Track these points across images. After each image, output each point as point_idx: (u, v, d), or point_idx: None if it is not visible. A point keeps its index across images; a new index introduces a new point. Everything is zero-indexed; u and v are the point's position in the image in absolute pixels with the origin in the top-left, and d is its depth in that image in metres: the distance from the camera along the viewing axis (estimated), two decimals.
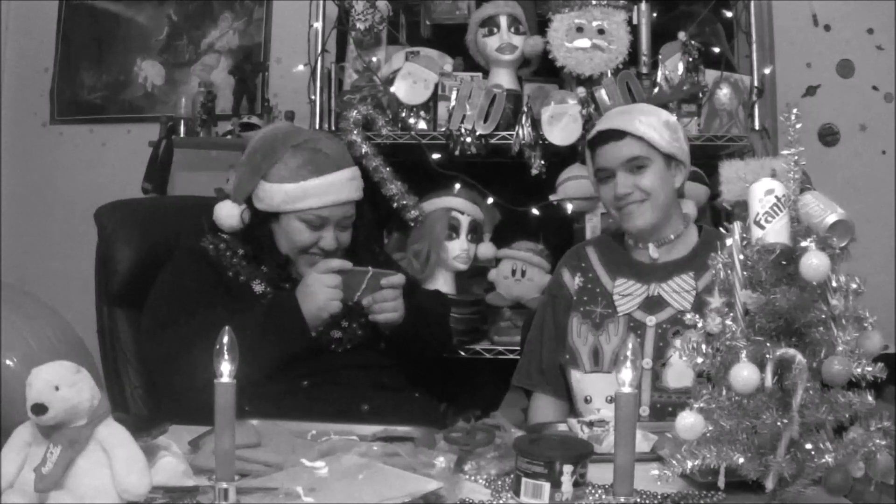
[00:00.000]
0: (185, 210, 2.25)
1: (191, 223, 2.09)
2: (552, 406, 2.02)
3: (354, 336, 1.97)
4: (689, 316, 1.83)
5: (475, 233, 2.66)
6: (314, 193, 1.93)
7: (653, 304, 1.93)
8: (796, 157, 1.23)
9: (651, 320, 1.91)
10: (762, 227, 1.20)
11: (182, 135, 3.29)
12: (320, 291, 1.85)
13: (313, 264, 1.94)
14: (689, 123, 2.64)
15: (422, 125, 2.70)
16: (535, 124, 2.62)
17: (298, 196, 1.93)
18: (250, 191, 1.97)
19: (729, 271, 1.24)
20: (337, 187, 1.96)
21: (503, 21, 2.69)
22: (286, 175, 1.94)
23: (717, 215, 2.64)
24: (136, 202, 2.87)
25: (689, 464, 1.19)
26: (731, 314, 1.23)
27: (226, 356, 1.11)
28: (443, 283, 2.63)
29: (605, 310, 1.96)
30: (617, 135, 1.92)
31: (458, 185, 2.66)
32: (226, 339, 1.12)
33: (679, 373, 1.80)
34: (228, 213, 1.99)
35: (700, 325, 1.27)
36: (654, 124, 1.92)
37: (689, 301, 1.90)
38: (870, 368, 1.15)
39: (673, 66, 2.65)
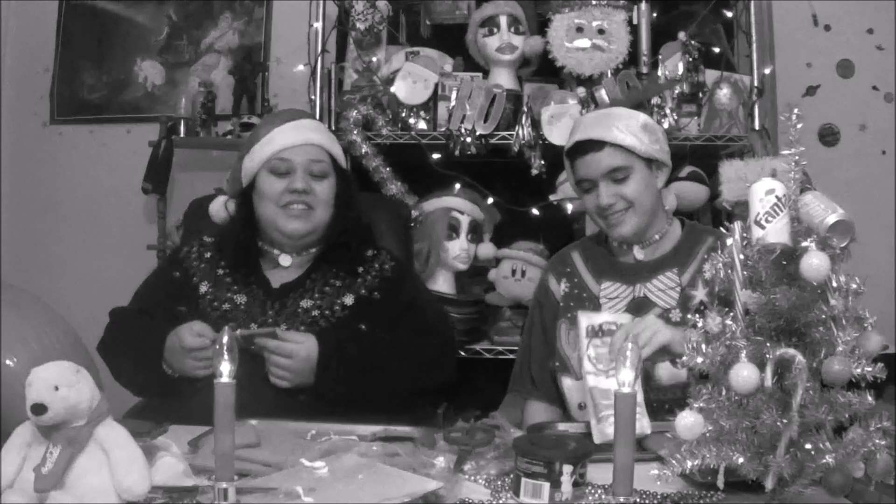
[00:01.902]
0: None
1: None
2: (545, 412, 2.01)
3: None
4: (674, 313, 1.86)
5: (475, 233, 2.66)
6: (275, 138, 1.99)
7: (639, 305, 1.92)
8: (796, 157, 1.23)
9: None
10: (762, 227, 1.20)
11: (182, 135, 3.29)
12: (186, 362, 1.81)
13: (294, 216, 1.96)
14: (689, 123, 2.64)
15: (422, 125, 2.70)
16: (535, 124, 2.62)
17: (263, 147, 1.99)
18: (240, 177, 2.04)
19: (729, 271, 1.24)
20: (295, 130, 2.01)
21: (503, 21, 2.70)
22: (253, 142, 2.02)
23: (717, 215, 2.64)
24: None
25: (689, 464, 1.19)
26: (731, 314, 1.23)
27: (226, 356, 1.11)
28: (443, 283, 2.63)
29: None
30: (596, 145, 1.89)
31: (458, 185, 2.66)
32: (225, 339, 1.12)
33: (670, 369, 1.79)
34: (218, 206, 2.11)
35: (700, 324, 1.27)
36: (632, 129, 1.89)
37: (674, 298, 1.90)
38: (870, 368, 1.15)
39: (673, 66, 2.65)
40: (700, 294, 1.87)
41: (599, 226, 1.99)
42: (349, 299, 1.97)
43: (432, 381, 2.02)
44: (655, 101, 2.60)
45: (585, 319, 1.72)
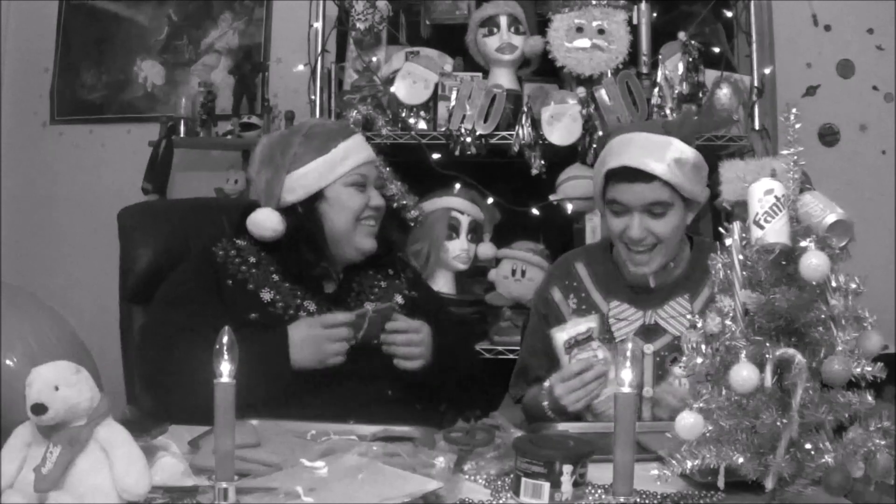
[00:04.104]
0: (205, 211, 2.28)
1: (209, 225, 2.13)
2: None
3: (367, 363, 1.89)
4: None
5: (475, 233, 2.66)
6: (350, 153, 1.96)
7: (650, 331, 1.88)
8: (796, 157, 1.23)
9: (649, 348, 1.86)
10: (762, 227, 1.20)
11: (182, 135, 3.30)
12: (326, 347, 1.80)
13: (369, 233, 1.97)
14: None
15: (422, 125, 2.70)
16: (535, 124, 2.62)
17: (336, 161, 1.94)
18: (280, 191, 1.93)
19: (729, 271, 1.24)
20: (362, 146, 2.01)
21: (503, 21, 2.70)
22: (312, 154, 1.94)
23: (717, 215, 2.64)
24: (159, 203, 2.90)
25: (689, 464, 1.19)
26: (731, 314, 1.23)
27: (225, 356, 1.11)
28: (443, 283, 2.63)
29: (601, 333, 1.88)
30: (645, 176, 1.78)
31: (458, 185, 2.66)
32: (225, 339, 1.12)
33: (672, 408, 1.74)
34: (269, 218, 1.90)
35: (700, 324, 1.27)
36: (683, 167, 1.79)
37: (685, 326, 1.82)
38: (869, 368, 1.15)
39: (673, 66, 2.65)
40: (713, 325, 1.83)
41: (618, 249, 1.90)
42: (399, 299, 2.01)
43: (476, 366, 2.21)
44: (655, 101, 2.60)
45: (560, 335, 1.80)
